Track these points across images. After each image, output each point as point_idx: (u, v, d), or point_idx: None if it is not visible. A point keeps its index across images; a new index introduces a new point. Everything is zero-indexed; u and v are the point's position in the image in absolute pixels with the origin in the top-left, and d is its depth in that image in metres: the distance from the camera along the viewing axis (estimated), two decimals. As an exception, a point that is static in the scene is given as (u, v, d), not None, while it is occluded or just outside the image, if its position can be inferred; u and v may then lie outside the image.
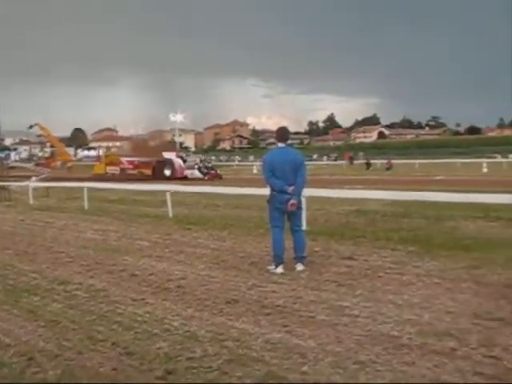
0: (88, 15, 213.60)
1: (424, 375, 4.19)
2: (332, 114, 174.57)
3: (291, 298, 6.41)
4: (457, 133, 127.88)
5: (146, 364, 4.59)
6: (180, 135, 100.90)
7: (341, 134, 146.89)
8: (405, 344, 4.82)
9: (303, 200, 8.98)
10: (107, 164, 48.61)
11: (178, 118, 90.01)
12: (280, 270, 7.68)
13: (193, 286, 7.14)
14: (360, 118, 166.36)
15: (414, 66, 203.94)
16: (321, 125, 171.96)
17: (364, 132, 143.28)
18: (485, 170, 39.88)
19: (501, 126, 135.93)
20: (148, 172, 42.83)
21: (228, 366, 4.50)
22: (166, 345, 5.02)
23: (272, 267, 7.79)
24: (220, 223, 12.65)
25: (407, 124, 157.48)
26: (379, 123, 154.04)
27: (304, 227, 9.31)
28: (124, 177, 40.91)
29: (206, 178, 39.41)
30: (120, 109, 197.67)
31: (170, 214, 14.30)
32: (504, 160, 52.24)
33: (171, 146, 68.54)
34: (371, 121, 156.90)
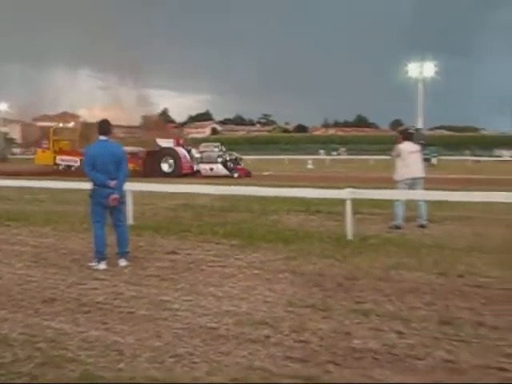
0: None
1: (238, 363, 4.33)
2: (166, 108, 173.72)
3: (112, 294, 6.29)
4: (286, 130, 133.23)
5: None
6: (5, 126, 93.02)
7: (174, 129, 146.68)
8: (222, 335, 4.95)
9: (127, 194, 8.85)
10: (57, 152, 33.63)
11: (1, 106, 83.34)
12: (102, 266, 7.49)
13: (8, 286, 6.72)
14: (193, 113, 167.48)
15: (247, 64, 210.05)
16: (156, 119, 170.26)
17: (197, 128, 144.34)
18: (310, 166, 42.05)
19: (325, 125, 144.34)
20: (132, 167, 26.42)
21: (40, 369, 4.28)
22: (-29, 353, 4.65)
23: (94, 263, 7.57)
24: (43, 219, 12.02)
25: (239, 121, 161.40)
26: (212, 119, 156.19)
27: (129, 222, 9.19)
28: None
29: (236, 175, 28.99)
30: None
31: (-12, 210, 13.33)
32: (328, 157, 55.61)
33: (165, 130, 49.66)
34: (204, 117, 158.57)
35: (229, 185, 14.22)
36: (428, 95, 72.00)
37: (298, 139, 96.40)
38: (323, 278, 6.86)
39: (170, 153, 30.60)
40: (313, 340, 4.77)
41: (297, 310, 5.59)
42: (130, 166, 28.27)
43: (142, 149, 31.50)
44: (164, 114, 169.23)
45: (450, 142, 77.37)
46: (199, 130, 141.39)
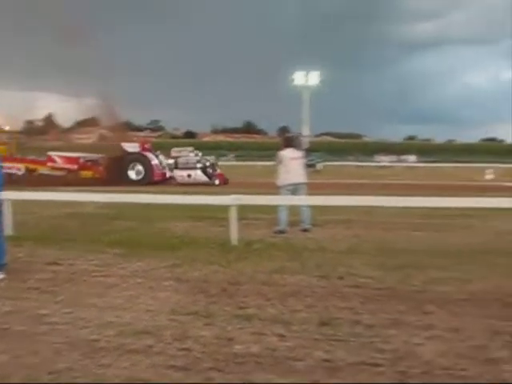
0: None
1: (119, 375, 4.25)
2: (51, 113, 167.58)
3: (-14, 310, 5.97)
4: (174, 136, 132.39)
5: None
6: None
7: (60, 134, 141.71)
8: (103, 347, 4.83)
9: (5, 203, 8.44)
10: None
11: None
12: (-24, 280, 7.09)
13: None
14: (80, 118, 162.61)
15: (135, 70, 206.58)
16: (39, 124, 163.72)
17: (84, 133, 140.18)
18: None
19: (214, 131, 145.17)
20: (91, 174, 27.89)
21: None
22: None
23: (-34, 278, 7.16)
24: None
25: (128, 126, 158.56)
26: (99, 125, 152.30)
27: (8, 232, 8.79)
28: (33, 180, 24.71)
29: (217, 182, 27.15)
30: None
31: None
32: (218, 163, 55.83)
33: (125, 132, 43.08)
34: (91, 122, 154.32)
35: (116, 192, 13.90)
36: (314, 103, 74.66)
37: (188, 145, 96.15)
38: (207, 284, 6.89)
39: (138, 158, 28.20)
40: (195, 347, 4.78)
41: (180, 318, 5.58)
42: (89, 173, 27.35)
43: (100, 155, 29.10)
44: (49, 118, 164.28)
45: (335, 148, 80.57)
46: (88, 135, 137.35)
